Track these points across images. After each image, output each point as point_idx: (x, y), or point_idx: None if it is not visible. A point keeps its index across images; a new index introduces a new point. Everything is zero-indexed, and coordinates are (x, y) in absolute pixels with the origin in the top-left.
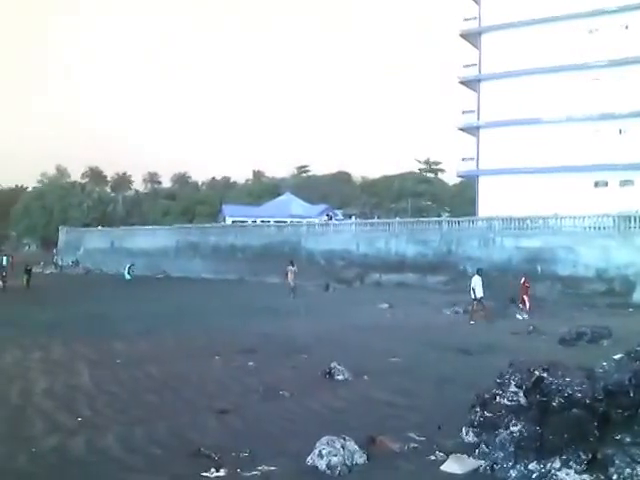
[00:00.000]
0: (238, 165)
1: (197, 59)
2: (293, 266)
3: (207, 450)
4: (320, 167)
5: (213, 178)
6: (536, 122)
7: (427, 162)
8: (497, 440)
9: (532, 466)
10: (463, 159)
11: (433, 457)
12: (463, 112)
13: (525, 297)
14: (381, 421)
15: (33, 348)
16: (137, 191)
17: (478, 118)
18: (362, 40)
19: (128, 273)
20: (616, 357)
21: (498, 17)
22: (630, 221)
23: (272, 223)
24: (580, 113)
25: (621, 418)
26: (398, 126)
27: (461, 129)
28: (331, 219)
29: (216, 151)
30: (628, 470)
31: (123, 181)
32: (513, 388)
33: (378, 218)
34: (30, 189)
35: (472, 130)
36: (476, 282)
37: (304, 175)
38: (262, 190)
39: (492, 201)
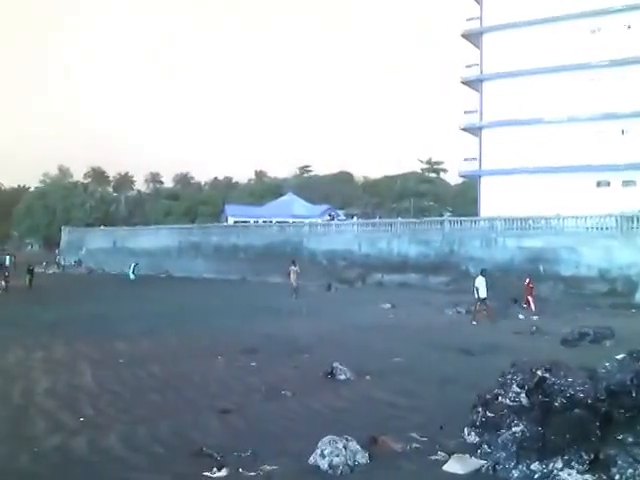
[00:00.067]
0: (240, 165)
1: (197, 59)
2: (295, 266)
3: (209, 449)
4: (322, 167)
5: (215, 178)
6: (538, 122)
7: (429, 162)
8: (499, 440)
9: (534, 466)
10: (465, 159)
11: (435, 457)
12: (465, 112)
13: (530, 298)
14: (383, 421)
15: (36, 348)
16: (139, 191)
17: (480, 118)
18: (363, 40)
19: (133, 272)
20: (618, 357)
21: (500, 17)
22: (633, 221)
23: (274, 223)
24: (583, 113)
25: (623, 418)
26: (400, 126)
27: (463, 129)
28: (333, 219)
29: (218, 151)
30: (630, 470)
31: (125, 181)
32: (515, 388)
33: (380, 218)
34: (32, 189)
35: (474, 130)
36: (480, 282)
37: (306, 175)
38: (264, 190)
39: (494, 201)
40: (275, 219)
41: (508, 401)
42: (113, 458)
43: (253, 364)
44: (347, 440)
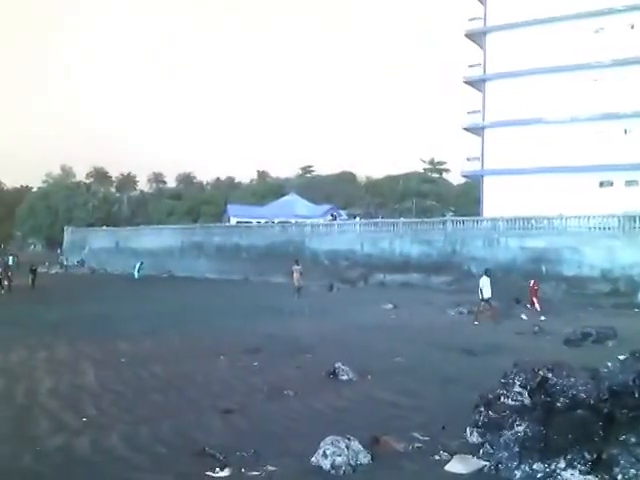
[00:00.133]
0: (243, 165)
1: (198, 59)
2: (298, 265)
3: (212, 449)
4: (324, 167)
5: (218, 178)
6: (541, 122)
7: (431, 162)
8: (501, 440)
9: (537, 466)
10: (468, 159)
11: (437, 457)
12: (468, 112)
13: (535, 299)
14: (385, 421)
15: (38, 348)
16: (142, 191)
17: (483, 118)
18: (366, 40)
19: (138, 271)
20: (621, 357)
21: (504, 17)
22: (635, 221)
23: (276, 223)
24: (586, 113)
25: (626, 418)
26: (402, 126)
27: (466, 129)
28: (335, 219)
29: (221, 151)
30: (633, 471)
31: (128, 181)
32: (517, 388)
33: (382, 218)
34: (35, 189)
35: (477, 130)
36: (484, 282)
37: (308, 175)
38: (266, 190)
39: (497, 201)
40: (277, 219)
41: (510, 401)
42: (115, 458)
43: (255, 364)
44: (349, 440)
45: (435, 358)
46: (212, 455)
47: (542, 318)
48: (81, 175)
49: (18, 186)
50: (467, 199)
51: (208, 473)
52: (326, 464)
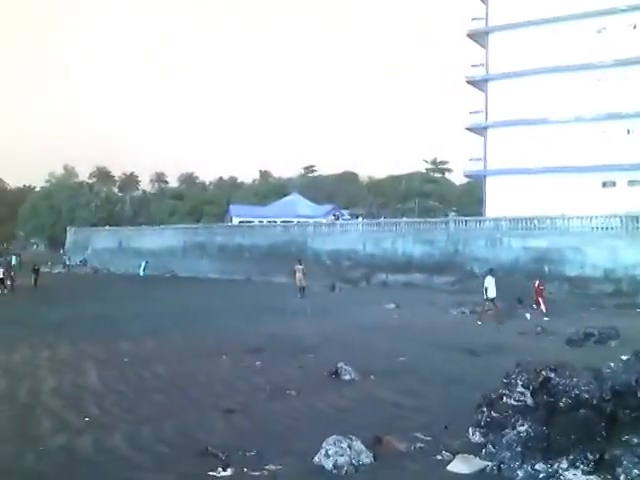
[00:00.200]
0: (245, 165)
1: (199, 59)
2: (301, 265)
3: (214, 449)
4: (327, 167)
5: (220, 178)
6: (544, 122)
7: (434, 162)
8: (504, 440)
9: (539, 466)
10: (470, 159)
11: (440, 457)
12: (470, 112)
13: (541, 299)
14: (387, 421)
15: (41, 347)
16: (144, 191)
17: (486, 118)
18: (368, 39)
19: (143, 270)
20: (624, 358)
21: (506, 17)
22: (638, 221)
23: (279, 223)
24: (588, 113)
25: (628, 419)
26: (405, 126)
27: (468, 129)
28: (338, 219)
29: (223, 151)
30: (635, 471)
31: (130, 181)
32: (520, 388)
33: (385, 218)
34: (38, 189)
35: (479, 130)
36: (489, 282)
37: (311, 175)
38: (269, 190)
39: (499, 201)
40: (280, 219)
41: (513, 401)
42: (118, 458)
43: (258, 364)
44: (352, 440)
45: (437, 358)
46: (214, 455)
47: (545, 318)
48: (84, 175)
49: (21, 186)
50: (470, 199)
51: (211, 473)
52: (328, 464)
